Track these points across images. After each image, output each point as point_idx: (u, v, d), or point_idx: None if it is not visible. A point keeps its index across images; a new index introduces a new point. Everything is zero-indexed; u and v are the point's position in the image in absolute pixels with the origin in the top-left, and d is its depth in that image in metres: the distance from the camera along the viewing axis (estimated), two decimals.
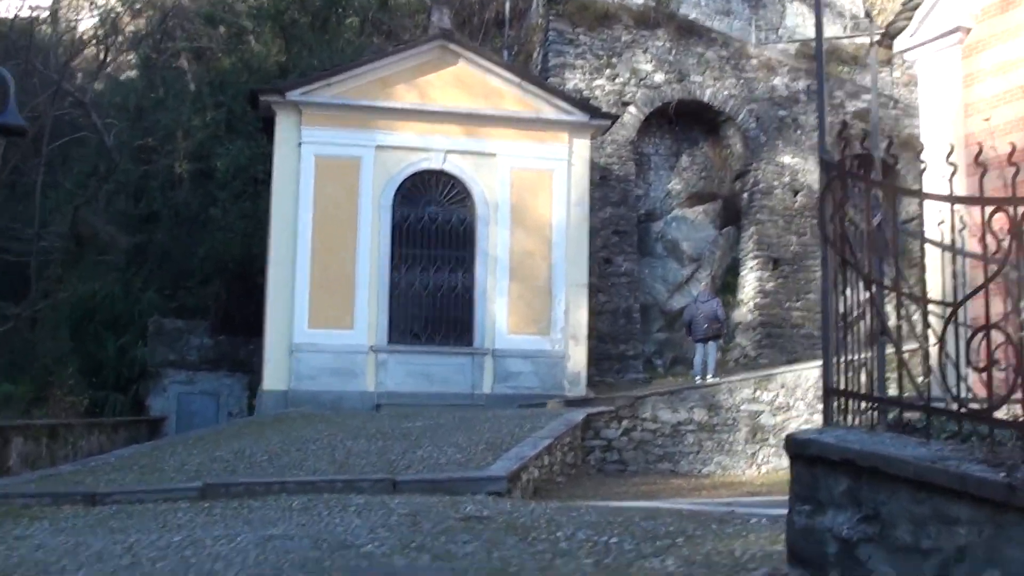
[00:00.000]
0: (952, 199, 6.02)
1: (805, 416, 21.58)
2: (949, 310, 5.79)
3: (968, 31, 18.64)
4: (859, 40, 33.70)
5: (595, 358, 24.36)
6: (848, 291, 6.53)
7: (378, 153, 23.28)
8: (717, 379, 21.76)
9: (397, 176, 23.36)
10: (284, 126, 23.14)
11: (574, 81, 27.04)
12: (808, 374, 21.64)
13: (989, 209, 5.57)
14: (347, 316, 22.57)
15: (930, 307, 6.36)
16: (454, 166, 23.60)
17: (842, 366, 6.58)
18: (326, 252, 22.69)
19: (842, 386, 6.55)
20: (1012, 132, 17.66)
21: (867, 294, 6.37)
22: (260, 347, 23.81)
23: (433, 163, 23.51)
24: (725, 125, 28.66)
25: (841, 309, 6.62)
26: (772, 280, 27.73)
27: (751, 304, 27.52)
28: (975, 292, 5.74)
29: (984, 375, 5.35)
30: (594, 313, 24.71)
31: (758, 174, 28.20)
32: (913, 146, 29.01)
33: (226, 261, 29.90)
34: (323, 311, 22.46)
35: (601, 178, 26.50)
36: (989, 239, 5.66)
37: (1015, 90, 17.84)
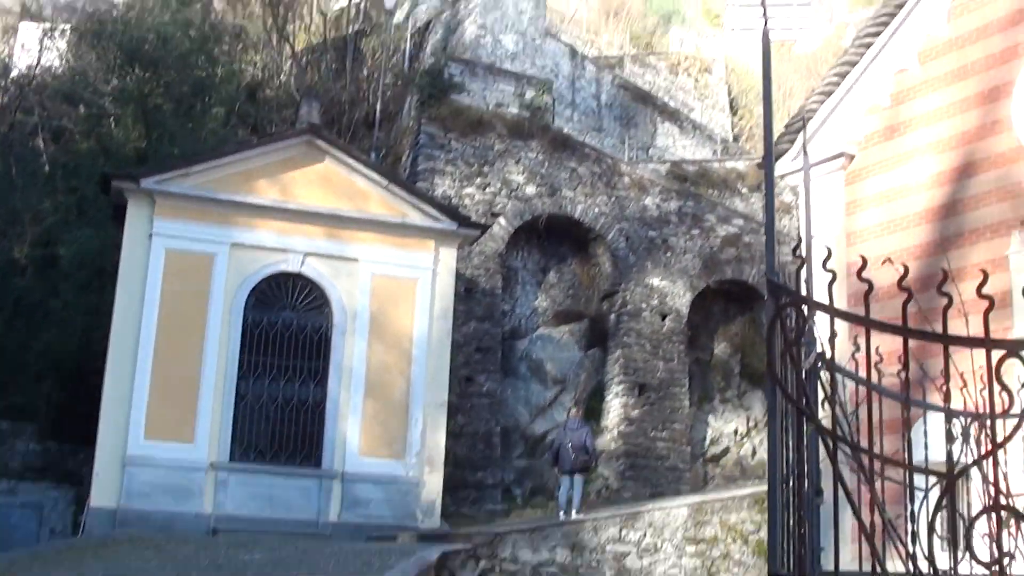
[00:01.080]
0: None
1: (673, 559, 20.49)
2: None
3: (852, 157, 18.14)
4: (729, 164, 33.44)
5: (450, 486, 22.85)
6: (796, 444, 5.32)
7: (233, 251, 21.80)
8: (582, 515, 20.52)
9: (252, 277, 21.87)
10: (135, 215, 21.55)
11: (443, 188, 25.98)
12: (677, 512, 20.64)
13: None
14: (188, 427, 20.83)
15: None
16: (313, 270, 22.22)
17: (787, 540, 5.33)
18: (170, 355, 21.00)
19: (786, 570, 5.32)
20: (897, 263, 16.98)
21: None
22: (92, 457, 21.81)
23: (291, 265, 22.10)
24: (595, 243, 27.84)
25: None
26: (637, 407, 26.74)
27: (615, 432, 26.45)
28: (978, 462, 4.62)
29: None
30: (451, 436, 23.29)
31: (626, 295, 27.36)
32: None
33: (63, 358, 27.72)
34: (162, 420, 20.68)
35: (466, 290, 25.35)
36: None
37: (899, 220, 17.26)
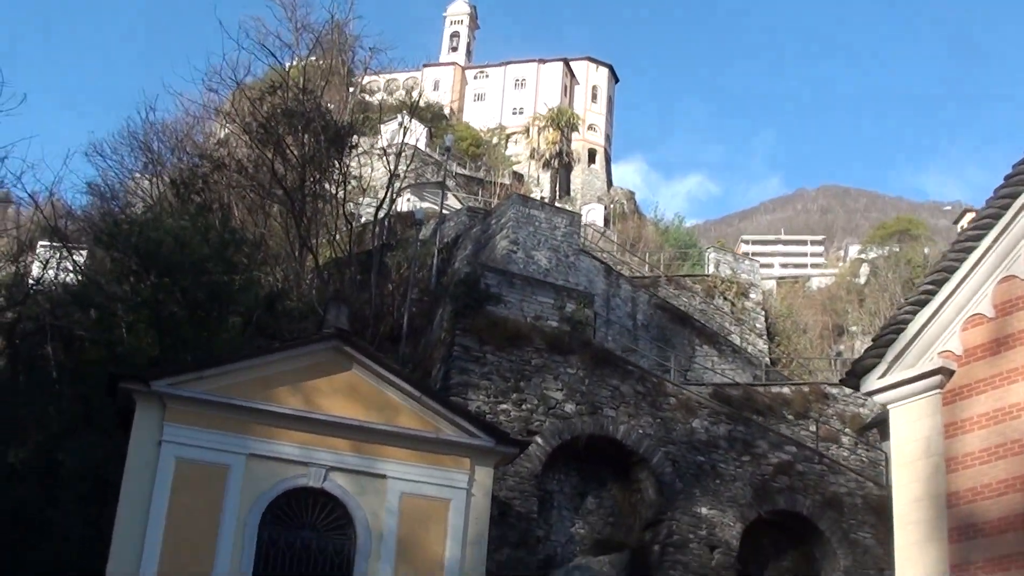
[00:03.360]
0: None
1: None
2: None
3: (951, 373, 16.24)
4: (774, 390, 31.71)
5: None
6: None
7: (250, 463, 19.82)
8: None
9: (269, 492, 19.83)
10: (144, 420, 19.64)
11: (477, 403, 24.19)
12: None
13: None
14: None
15: None
16: (336, 486, 20.19)
17: None
18: (176, 574, 18.78)
19: None
20: (1007, 493, 15.00)
21: None
22: None
23: (312, 480, 20.09)
24: (638, 467, 25.87)
25: None
26: None
27: None
28: None
29: None
30: None
31: (672, 525, 25.24)
32: (839, 504, 26.52)
33: (60, 573, 25.48)
34: None
35: (500, 514, 23.24)
36: None
37: (1010, 444, 15.28)
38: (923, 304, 16.63)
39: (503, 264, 30.69)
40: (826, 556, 27.13)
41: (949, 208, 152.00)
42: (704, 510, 25.59)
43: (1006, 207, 16.00)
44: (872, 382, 17.25)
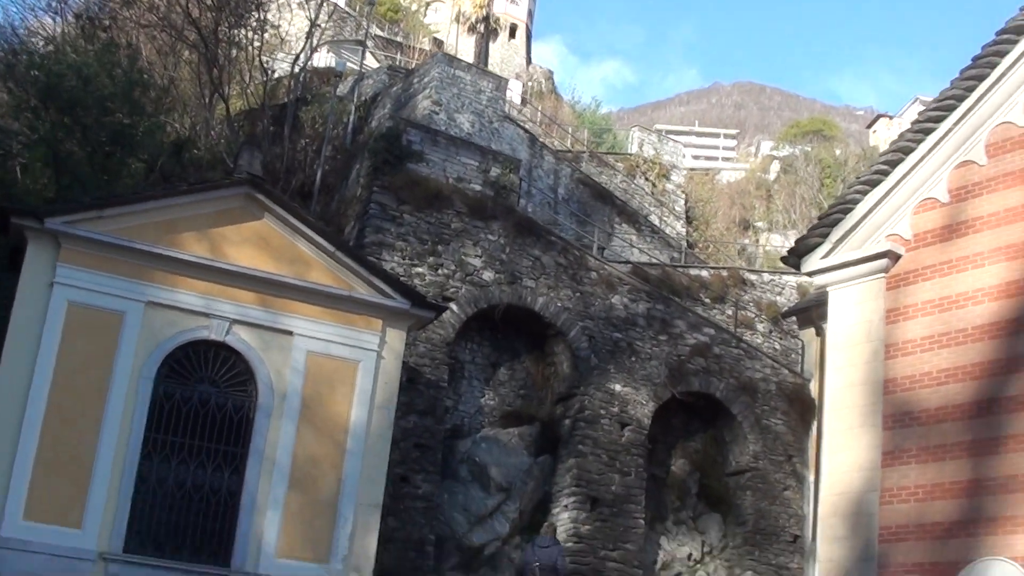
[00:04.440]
0: None
1: None
2: None
3: (898, 257, 15.62)
4: (693, 272, 31.11)
5: None
6: None
7: (148, 311, 18.59)
8: None
9: (167, 343, 18.63)
10: (35, 260, 18.24)
11: (391, 264, 23.09)
12: None
13: None
14: (76, 510, 17.40)
15: None
16: (239, 340, 19.06)
17: None
18: (62, 424, 17.63)
19: None
20: (947, 383, 14.48)
21: None
22: None
23: (214, 333, 18.92)
24: (554, 340, 25.08)
25: None
26: (589, 523, 23.82)
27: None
28: None
29: None
30: (380, 541, 20.04)
31: (584, 400, 24.56)
32: (753, 389, 26.14)
33: None
34: (46, 500, 17.25)
35: (409, 380, 22.34)
36: None
37: (954, 334, 14.73)
38: (874, 184, 15.94)
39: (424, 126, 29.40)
40: (736, 440, 26.75)
41: (862, 113, 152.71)
42: (618, 387, 24.96)
43: (970, 89, 15.26)
44: (814, 262, 16.62)
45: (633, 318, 25.63)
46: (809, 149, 63.89)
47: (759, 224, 58.27)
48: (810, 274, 16.88)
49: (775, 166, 73.18)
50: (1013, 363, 13.95)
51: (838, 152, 63.20)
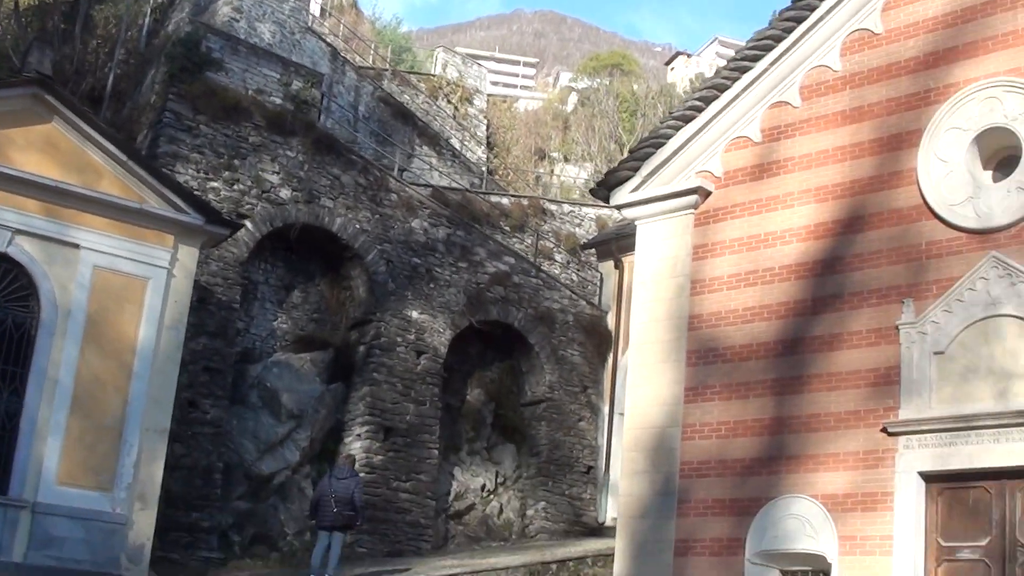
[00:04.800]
0: None
1: None
2: None
3: (708, 194, 15.55)
4: (493, 198, 30.82)
5: (159, 526, 18.77)
6: None
7: None
8: None
9: None
10: None
11: (185, 177, 22.02)
12: None
13: None
14: None
15: None
16: (22, 252, 17.81)
17: None
18: None
19: None
20: (753, 320, 14.52)
21: None
22: None
23: None
24: (350, 264, 24.43)
25: None
26: (381, 453, 23.44)
27: None
28: None
29: None
30: (167, 468, 19.25)
31: (380, 326, 24.05)
32: (551, 320, 26.09)
33: None
34: None
35: (200, 300, 21.41)
36: None
37: (761, 272, 14.76)
38: (687, 120, 15.76)
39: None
40: (532, 370, 26.71)
41: (660, 50, 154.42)
42: (415, 314, 24.53)
43: (789, 30, 15.18)
44: (623, 195, 16.39)
45: (433, 244, 25.19)
46: (608, 83, 64.06)
47: (555, 155, 58.30)
48: (619, 207, 16.65)
49: (573, 98, 73.31)
50: (819, 303, 14.01)
51: (636, 87, 63.53)
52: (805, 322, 14.10)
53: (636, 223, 16.32)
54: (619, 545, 15.19)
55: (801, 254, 14.38)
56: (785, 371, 14.06)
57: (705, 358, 14.91)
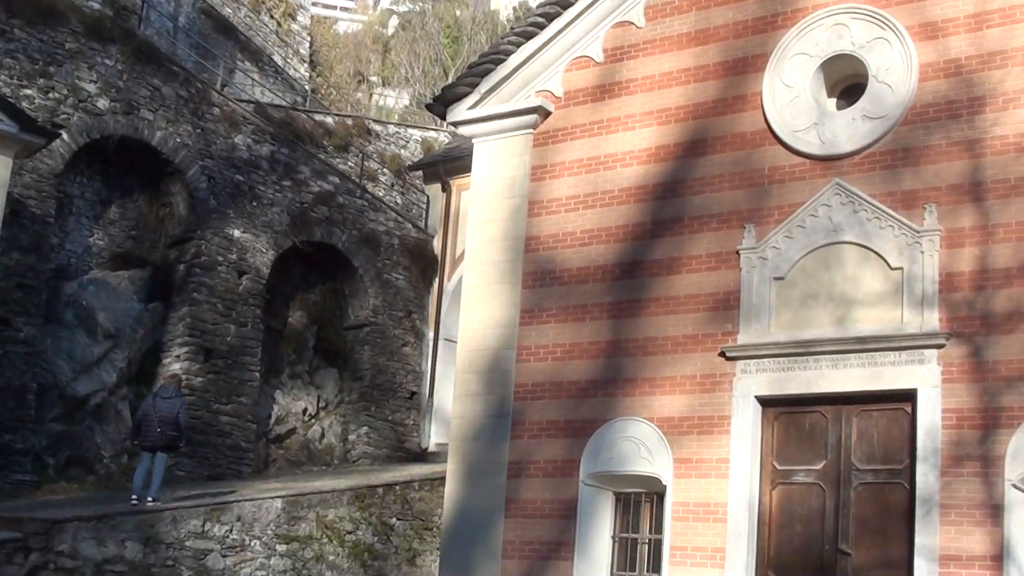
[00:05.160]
0: None
1: (261, 559, 17.04)
2: None
3: (547, 114, 15.39)
4: (317, 117, 30.15)
5: None
6: None
7: None
8: (159, 503, 16.52)
9: None
10: None
11: None
12: (271, 504, 17.13)
13: None
14: None
15: None
16: None
17: None
18: None
19: None
20: (591, 243, 14.48)
21: None
22: None
23: None
24: (171, 179, 23.51)
25: None
26: (202, 375, 22.76)
27: None
28: None
29: None
30: None
31: (201, 244, 23.27)
32: (375, 242, 25.75)
33: None
34: None
35: (12, 213, 20.30)
36: None
37: (600, 195, 14.71)
38: (528, 37, 15.48)
39: None
40: (356, 293, 26.30)
41: None
42: (237, 232, 23.80)
43: None
44: (460, 112, 16.07)
45: (256, 160, 24.45)
46: (431, 7, 63.38)
47: (373, 79, 57.54)
48: (455, 124, 16.32)
49: (393, 21, 72.36)
50: (659, 227, 14.00)
51: (459, 13, 63.02)
52: (644, 246, 14.09)
53: (473, 141, 16.04)
54: (451, 467, 15.06)
55: (642, 177, 14.34)
56: (623, 294, 14.04)
57: (542, 280, 14.80)
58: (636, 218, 14.24)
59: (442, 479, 20.43)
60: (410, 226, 27.43)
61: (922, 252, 12.24)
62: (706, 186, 13.86)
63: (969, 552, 11.36)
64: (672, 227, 13.96)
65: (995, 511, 11.34)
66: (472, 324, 15.31)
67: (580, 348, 14.25)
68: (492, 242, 15.38)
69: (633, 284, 14.02)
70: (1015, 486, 11.31)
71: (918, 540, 11.59)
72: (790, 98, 13.49)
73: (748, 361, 12.95)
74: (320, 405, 25.94)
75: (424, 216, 28.50)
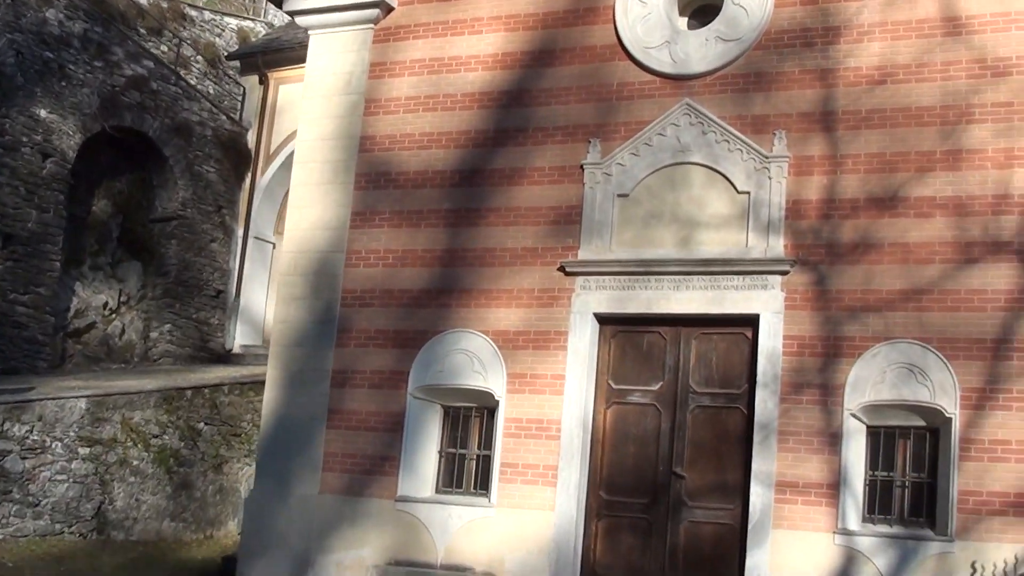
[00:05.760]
0: None
1: (62, 463, 16.21)
2: None
3: (390, 10, 14.79)
4: None
5: None
6: None
7: None
8: None
9: None
10: None
11: None
12: (74, 405, 16.27)
13: None
14: None
15: None
16: None
17: None
18: None
19: None
20: (430, 147, 14.01)
21: None
22: None
23: None
24: None
25: None
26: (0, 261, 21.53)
27: None
28: None
29: None
30: None
31: (5, 123, 21.83)
32: (188, 132, 24.66)
33: None
34: None
35: None
36: None
37: (442, 98, 14.24)
38: None
39: None
40: (165, 185, 25.13)
41: None
42: (43, 112, 22.37)
43: None
44: (298, 1, 15.30)
45: (68, 38, 22.99)
46: None
47: None
48: (292, 14, 15.49)
49: None
50: (502, 136, 13.58)
51: None
52: (486, 154, 13.68)
53: (309, 33, 15.30)
54: (271, 373, 14.47)
55: (486, 83, 13.88)
56: (462, 202, 13.64)
57: (376, 182, 14.26)
58: (479, 125, 13.80)
59: (252, 384, 19.86)
60: (224, 118, 26.34)
61: (770, 178, 12.17)
62: (552, 97, 13.50)
63: (806, 479, 11.45)
64: (516, 137, 13.58)
65: (833, 439, 11.45)
66: (300, 224, 14.69)
67: (414, 255, 13.81)
68: (324, 140, 14.75)
69: (472, 192, 13.62)
70: (854, 415, 11.43)
71: (755, 465, 11.63)
72: (643, 14, 13.19)
73: (588, 278, 12.73)
74: (122, 300, 24.80)
75: (240, 108, 27.39)
